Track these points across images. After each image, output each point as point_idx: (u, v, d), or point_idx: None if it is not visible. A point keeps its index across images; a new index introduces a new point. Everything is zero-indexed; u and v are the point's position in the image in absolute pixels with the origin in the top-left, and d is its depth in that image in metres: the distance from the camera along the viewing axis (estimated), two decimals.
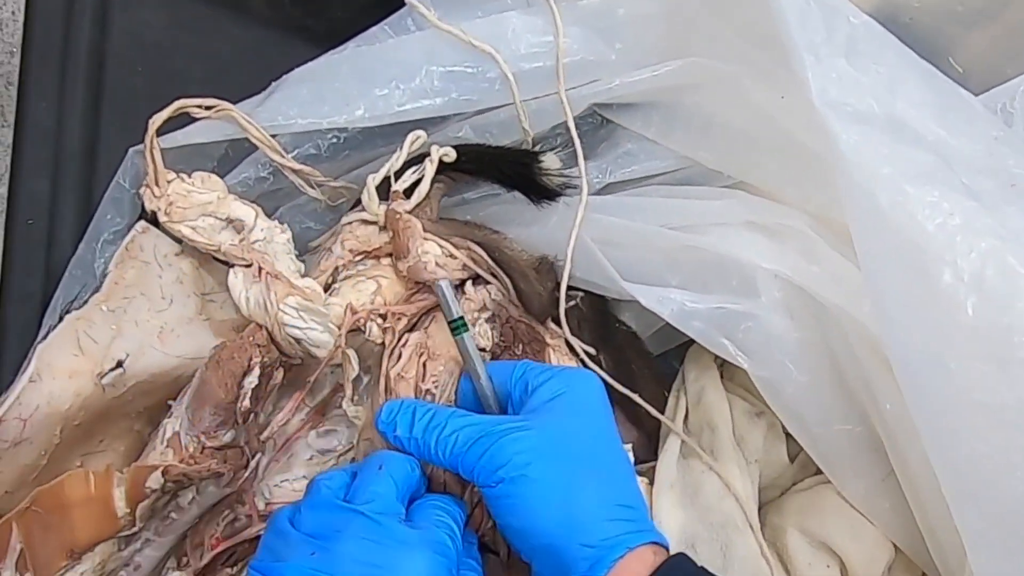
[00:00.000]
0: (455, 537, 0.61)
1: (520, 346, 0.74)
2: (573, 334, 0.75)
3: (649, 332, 0.82)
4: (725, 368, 0.80)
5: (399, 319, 0.71)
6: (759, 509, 0.77)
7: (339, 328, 0.70)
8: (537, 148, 0.78)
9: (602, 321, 0.78)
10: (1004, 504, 0.60)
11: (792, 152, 0.73)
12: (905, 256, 0.62)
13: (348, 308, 0.69)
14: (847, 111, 0.65)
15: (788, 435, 0.78)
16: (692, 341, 0.74)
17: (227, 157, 0.78)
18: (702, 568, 0.59)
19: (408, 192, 0.73)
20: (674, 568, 0.58)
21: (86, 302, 0.71)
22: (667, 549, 0.60)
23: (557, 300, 0.74)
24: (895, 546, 0.74)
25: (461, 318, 0.69)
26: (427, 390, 0.69)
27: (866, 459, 0.72)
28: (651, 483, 0.73)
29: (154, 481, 0.64)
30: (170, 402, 0.72)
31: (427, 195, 0.73)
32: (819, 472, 0.78)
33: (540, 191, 0.74)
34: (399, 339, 0.71)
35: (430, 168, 0.73)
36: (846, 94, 0.65)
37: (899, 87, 0.67)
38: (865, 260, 0.64)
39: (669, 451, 0.75)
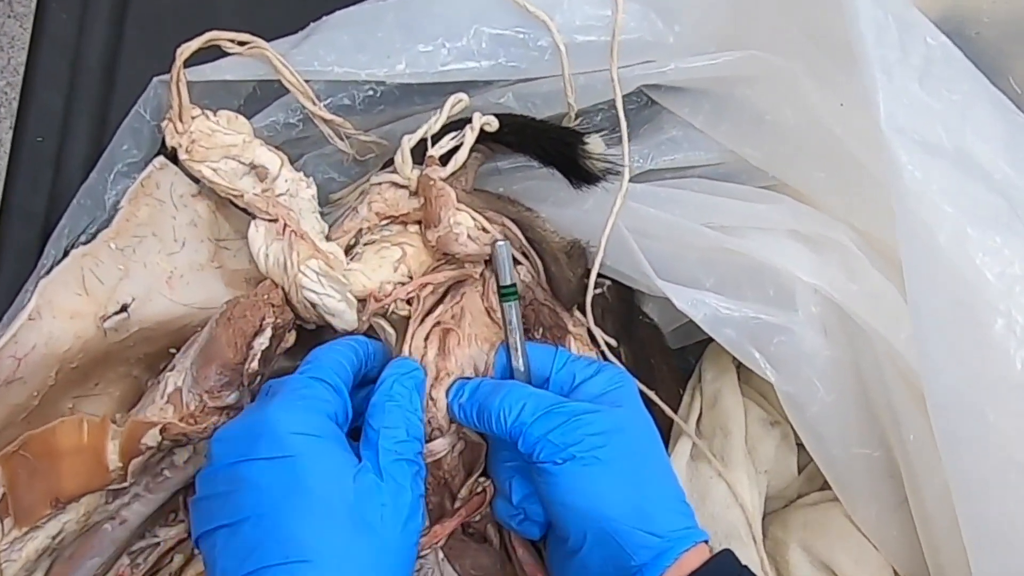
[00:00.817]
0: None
1: (540, 330, 0.71)
2: (596, 324, 0.72)
3: (671, 327, 0.79)
4: (741, 370, 0.78)
5: (425, 288, 0.68)
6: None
7: (357, 300, 0.67)
8: (578, 124, 0.75)
9: (627, 313, 0.75)
10: None
11: (842, 162, 0.70)
12: (958, 299, 0.60)
13: (372, 297, 0.66)
14: (914, 139, 0.62)
15: (800, 447, 0.76)
16: (712, 339, 0.71)
17: (254, 97, 0.74)
18: (745, 568, 0.59)
19: (444, 159, 0.70)
20: (722, 565, 0.58)
21: (94, 236, 0.68)
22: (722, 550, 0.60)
23: (585, 287, 0.71)
24: (895, 573, 0.72)
25: (513, 285, 0.66)
26: (450, 371, 0.66)
27: (881, 485, 0.70)
28: None
29: (151, 438, 0.61)
30: (172, 350, 0.69)
31: (464, 164, 0.70)
32: (825, 487, 0.77)
33: (581, 174, 0.70)
34: (426, 311, 0.68)
35: (470, 136, 0.69)
36: (915, 120, 0.62)
37: (970, 117, 0.64)
38: (914, 294, 0.61)
39: (679, 453, 0.74)
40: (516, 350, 0.66)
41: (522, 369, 0.66)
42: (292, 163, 0.71)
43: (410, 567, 0.58)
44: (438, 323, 0.67)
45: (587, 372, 0.65)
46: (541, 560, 0.68)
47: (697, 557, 0.58)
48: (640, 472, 0.61)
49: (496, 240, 0.67)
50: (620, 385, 0.65)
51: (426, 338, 0.67)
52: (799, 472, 0.77)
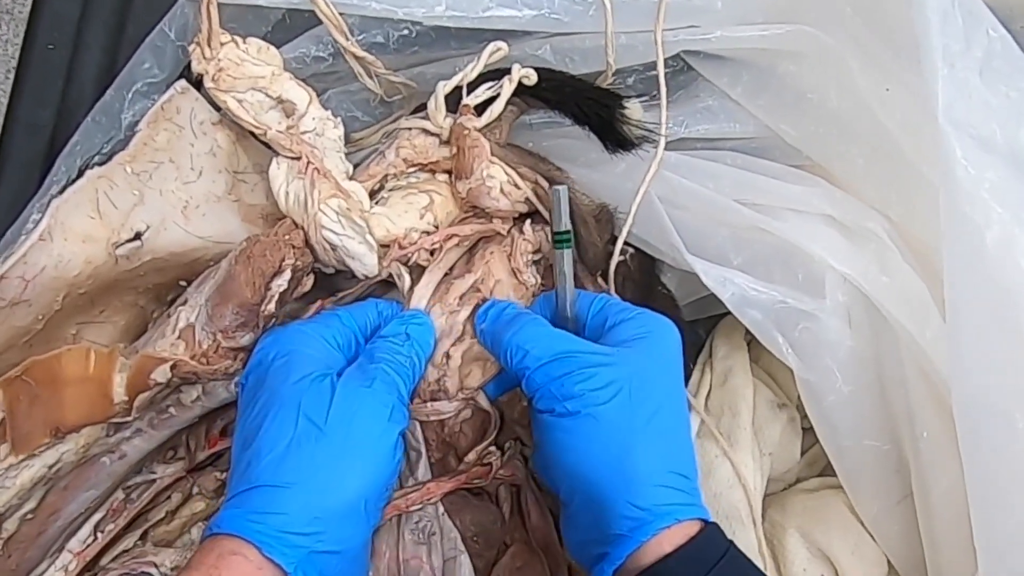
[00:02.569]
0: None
1: None
2: (616, 291, 0.71)
3: (686, 300, 0.78)
4: (752, 348, 0.77)
5: (450, 239, 0.66)
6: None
7: (379, 244, 0.64)
8: (612, 84, 0.72)
9: (647, 283, 0.74)
10: None
11: (884, 151, 0.69)
12: (998, 301, 0.59)
13: (396, 243, 0.64)
14: (970, 133, 0.60)
15: (805, 431, 0.75)
16: (725, 313, 0.70)
17: (284, 24, 0.72)
18: (730, 544, 0.56)
19: (479, 109, 0.67)
20: (703, 544, 0.55)
21: (109, 157, 0.65)
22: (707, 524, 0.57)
23: (609, 253, 0.70)
24: (889, 566, 0.72)
25: (568, 231, 0.64)
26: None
27: (887, 479, 0.70)
28: None
29: (160, 374, 0.59)
30: (182, 283, 0.66)
31: (499, 116, 0.67)
32: (825, 474, 0.77)
33: (617, 138, 0.68)
34: (450, 265, 0.66)
35: (508, 87, 0.67)
36: (973, 115, 0.61)
37: None
38: (953, 293, 0.60)
39: None
40: (566, 298, 0.64)
41: (569, 316, 0.64)
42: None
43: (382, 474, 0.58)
44: (475, 287, 0.65)
45: (619, 316, 0.62)
46: (556, 527, 0.67)
47: (682, 533, 0.55)
48: (638, 435, 0.57)
49: (556, 185, 0.65)
50: (648, 333, 0.61)
51: (462, 296, 0.65)
52: (801, 456, 0.77)
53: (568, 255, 0.64)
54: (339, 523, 0.55)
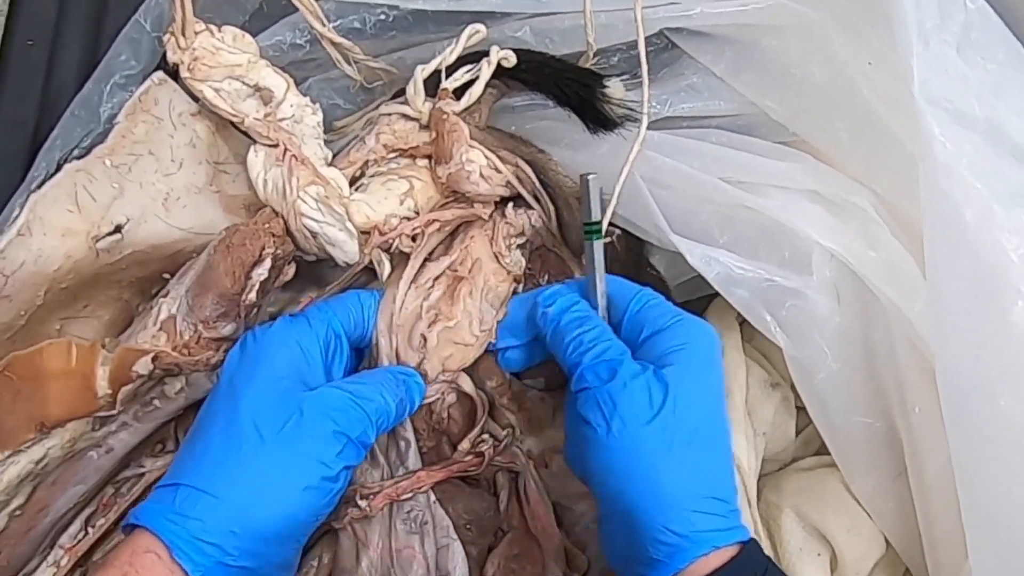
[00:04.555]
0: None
1: (546, 277, 0.70)
2: None
3: (677, 281, 0.77)
4: (744, 329, 0.76)
5: (431, 224, 0.66)
6: None
7: (359, 231, 0.64)
8: (594, 64, 0.72)
9: (635, 264, 0.73)
10: None
11: (868, 125, 0.68)
12: (978, 277, 0.58)
13: (376, 230, 0.64)
14: (948, 108, 0.60)
15: (799, 411, 0.75)
16: (716, 294, 0.70)
17: (260, 13, 0.71)
18: (768, 560, 0.55)
19: (458, 92, 0.67)
20: (744, 562, 0.54)
21: (88, 151, 0.64)
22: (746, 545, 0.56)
23: None
24: (886, 543, 0.72)
25: (599, 222, 0.63)
26: (450, 317, 0.64)
27: (881, 456, 0.69)
28: None
29: (142, 366, 0.59)
30: (165, 275, 0.66)
31: (479, 99, 0.67)
32: (820, 452, 0.76)
33: (599, 118, 0.67)
34: (431, 249, 0.66)
35: (486, 70, 0.67)
36: (950, 90, 0.60)
37: (1005, 90, 0.62)
38: (934, 270, 0.60)
39: None
40: (595, 290, 0.63)
41: (599, 307, 0.63)
42: (297, 86, 0.68)
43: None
44: (453, 268, 0.65)
45: (659, 322, 0.60)
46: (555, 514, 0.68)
47: (720, 557, 0.54)
48: (676, 457, 0.55)
49: (586, 174, 0.63)
50: (688, 343, 0.59)
51: (436, 279, 0.64)
52: (796, 436, 0.76)
53: (600, 247, 0.63)
54: (257, 542, 0.54)
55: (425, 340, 0.64)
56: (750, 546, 0.55)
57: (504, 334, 0.67)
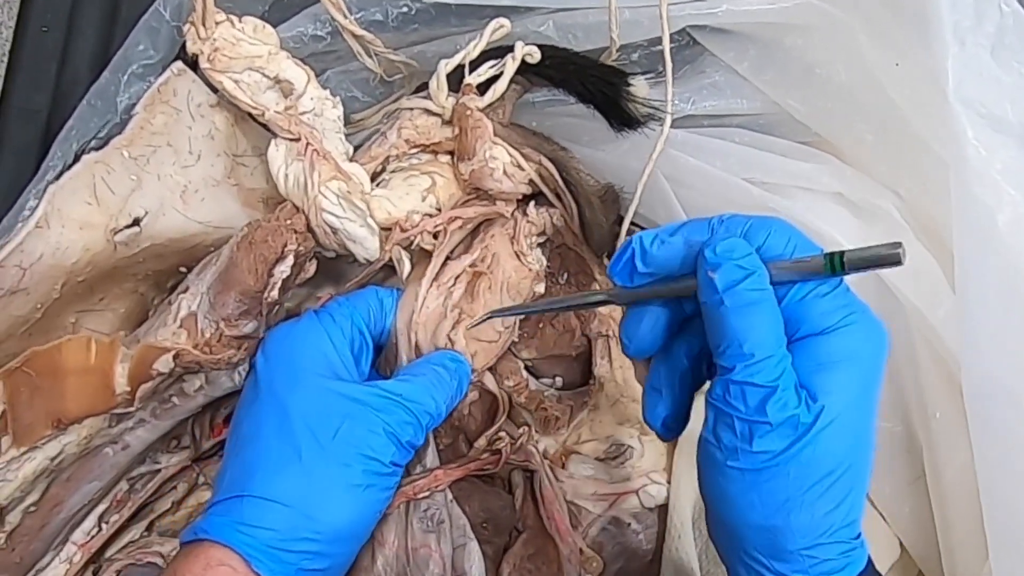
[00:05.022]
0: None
1: (565, 276, 0.69)
2: None
3: None
4: None
5: (454, 222, 0.65)
6: None
7: (380, 227, 0.63)
8: (616, 60, 0.71)
9: None
10: None
11: (894, 127, 0.68)
12: (1011, 285, 0.59)
13: (397, 226, 0.63)
14: (981, 112, 0.60)
15: None
16: None
17: (281, 4, 0.71)
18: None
19: (482, 88, 0.66)
20: None
21: (105, 142, 0.63)
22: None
23: (616, 235, 0.69)
24: (901, 548, 0.72)
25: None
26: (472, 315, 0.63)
27: (898, 460, 0.70)
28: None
29: (163, 364, 0.58)
30: (182, 269, 0.65)
31: (502, 95, 0.66)
32: None
33: (622, 116, 0.67)
34: (452, 247, 0.65)
35: (511, 66, 0.66)
36: (984, 93, 0.60)
37: None
38: (964, 275, 0.60)
39: (696, 411, 0.72)
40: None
41: None
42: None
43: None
44: (473, 265, 0.64)
45: (825, 321, 0.47)
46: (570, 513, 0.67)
47: None
48: (807, 493, 0.46)
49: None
50: (850, 358, 0.47)
51: (457, 277, 0.64)
52: None
53: None
54: (330, 544, 0.54)
55: (452, 342, 0.63)
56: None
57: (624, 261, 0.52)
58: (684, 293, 0.50)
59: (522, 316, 0.66)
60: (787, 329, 0.48)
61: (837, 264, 0.46)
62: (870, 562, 0.49)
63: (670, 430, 0.55)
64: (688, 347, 0.53)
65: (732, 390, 0.47)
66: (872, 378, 0.48)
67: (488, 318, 0.63)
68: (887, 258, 0.46)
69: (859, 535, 0.49)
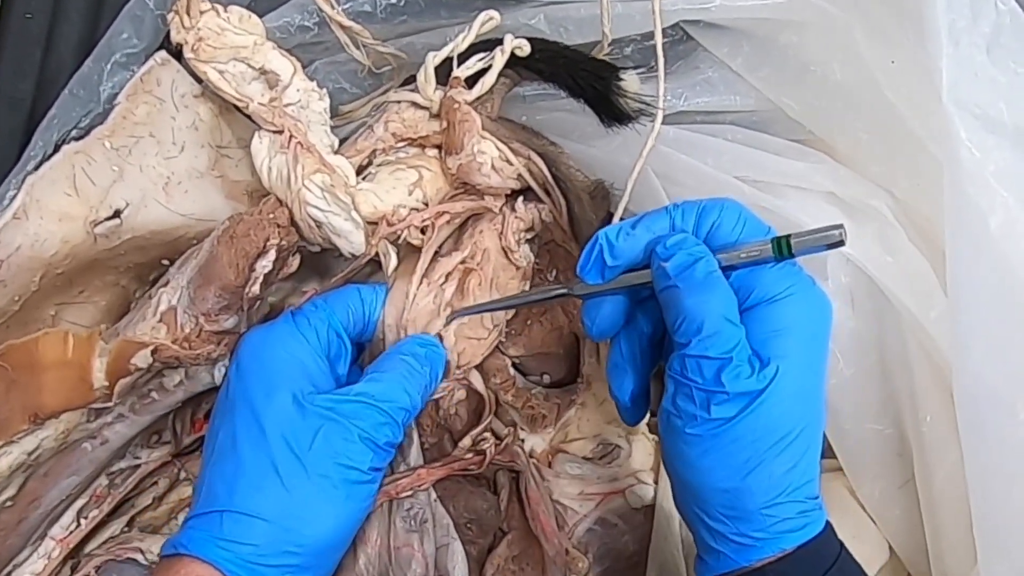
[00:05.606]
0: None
1: (555, 272, 0.68)
2: None
3: None
4: None
5: (441, 216, 0.64)
6: None
7: (366, 222, 0.62)
8: (608, 55, 0.70)
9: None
10: None
11: (889, 126, 0.67)
12: (1003, 288, 0.58)
13: (384, 221, 0.62)
14: (975, 113, 0.59)
15: None
16: None
17: None
18: (841, 546, 0.53)
19: (470, 81, 0.65)
20: (816, 547, 0.52)
21: (87, 132, 0.63)
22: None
23: None
24: (890, 551, 0.71)
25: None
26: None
27: (889, 463, 0.69)
28: None
29: (141, 359, 0.57)
30: (164, 262, 0.64)
31: (491, 88, 0.65)
32: (826, 456, 0.75)
33: (613, 111, 0.65)
34: (439, 242, 0.64)
35: (500, 59, 0.64)
36: (979, 94, 0.60)
37: None
38: (956, 278, 0.59)
39: None
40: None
41: None
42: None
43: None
44: (463, 262, 0.63)
45: (771, 290, 0.52)
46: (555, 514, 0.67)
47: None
48: (762, 456, 0.50)
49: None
50: (794, 326, 0.51)
51: (448, 274, 0.63)
52: None
53: None
54: (311, 556, 0.54)
55: (442, 339, 0.62)
56: (824, 533, 0.52)
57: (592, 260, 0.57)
58: (642, 283, 0.56)
59: (505, 313, 0.65)
60: (741, 295, 0.52)
61: (784, 248, 0.52)
62: (828, 525, 0.53)
63: (637, 406, 0.59)
64: (646, 325, 0.58)
65: (689, 364, 0.51)
66: (818, 343, 0.53)
67: (452, 319, 0.62)
68: (829, 239, 0.52)
69: (817, 497, 0.52)
